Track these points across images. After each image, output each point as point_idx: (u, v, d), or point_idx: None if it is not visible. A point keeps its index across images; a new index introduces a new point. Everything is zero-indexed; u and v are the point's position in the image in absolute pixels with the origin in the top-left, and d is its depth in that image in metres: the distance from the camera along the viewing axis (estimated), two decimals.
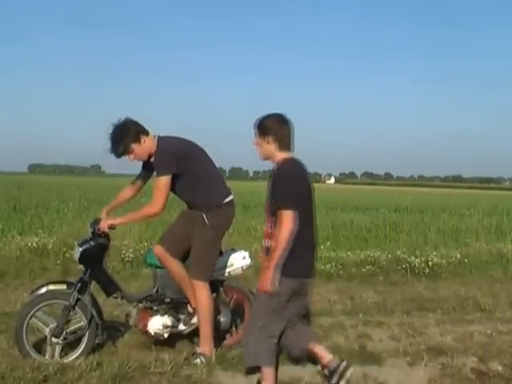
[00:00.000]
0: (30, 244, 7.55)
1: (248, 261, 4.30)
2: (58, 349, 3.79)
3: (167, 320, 4.04)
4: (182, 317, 4.11)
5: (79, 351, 3.83)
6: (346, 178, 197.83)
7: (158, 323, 3.99)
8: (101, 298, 4.19)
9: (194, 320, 4.05)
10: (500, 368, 3.94)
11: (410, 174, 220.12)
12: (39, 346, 3.90)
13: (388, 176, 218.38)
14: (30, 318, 3.77)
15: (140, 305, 4.06)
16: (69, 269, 6.64)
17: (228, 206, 4.02)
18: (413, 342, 4.48)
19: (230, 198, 4.04)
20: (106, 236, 3.98)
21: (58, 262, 7.11)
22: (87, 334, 3.85)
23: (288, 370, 3.69)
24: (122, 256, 7.29)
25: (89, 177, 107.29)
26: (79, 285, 3.88)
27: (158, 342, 4.09)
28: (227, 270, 4.20)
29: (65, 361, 3.72)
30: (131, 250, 7.41)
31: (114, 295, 4.05)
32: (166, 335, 4.01)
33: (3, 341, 4.08)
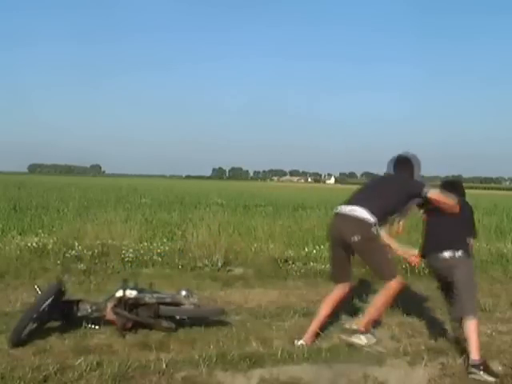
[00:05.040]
0: (29, 244, 7.56)
1: None
2: None
3: None
4: None
5: None
6: (346, 177, 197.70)
7: None
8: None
9: None
10: (500, 368, 3.94)
11: None
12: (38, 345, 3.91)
13: None
14: None
15: None
16: (69, 269, 6.64)
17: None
18: (413, 342, 4.47)
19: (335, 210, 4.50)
20: None
21: (58, 261, 7.11)
22: None
23: (288, 370, 3.69)
24: (122, 256, 7.30)
25: (89, 177, 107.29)
26: None
27: (157, 341, 4.09)
28: None
29: None
30: (131, 250, 7.42)
31: None
32: None
33: (3, 341, 4.07)
